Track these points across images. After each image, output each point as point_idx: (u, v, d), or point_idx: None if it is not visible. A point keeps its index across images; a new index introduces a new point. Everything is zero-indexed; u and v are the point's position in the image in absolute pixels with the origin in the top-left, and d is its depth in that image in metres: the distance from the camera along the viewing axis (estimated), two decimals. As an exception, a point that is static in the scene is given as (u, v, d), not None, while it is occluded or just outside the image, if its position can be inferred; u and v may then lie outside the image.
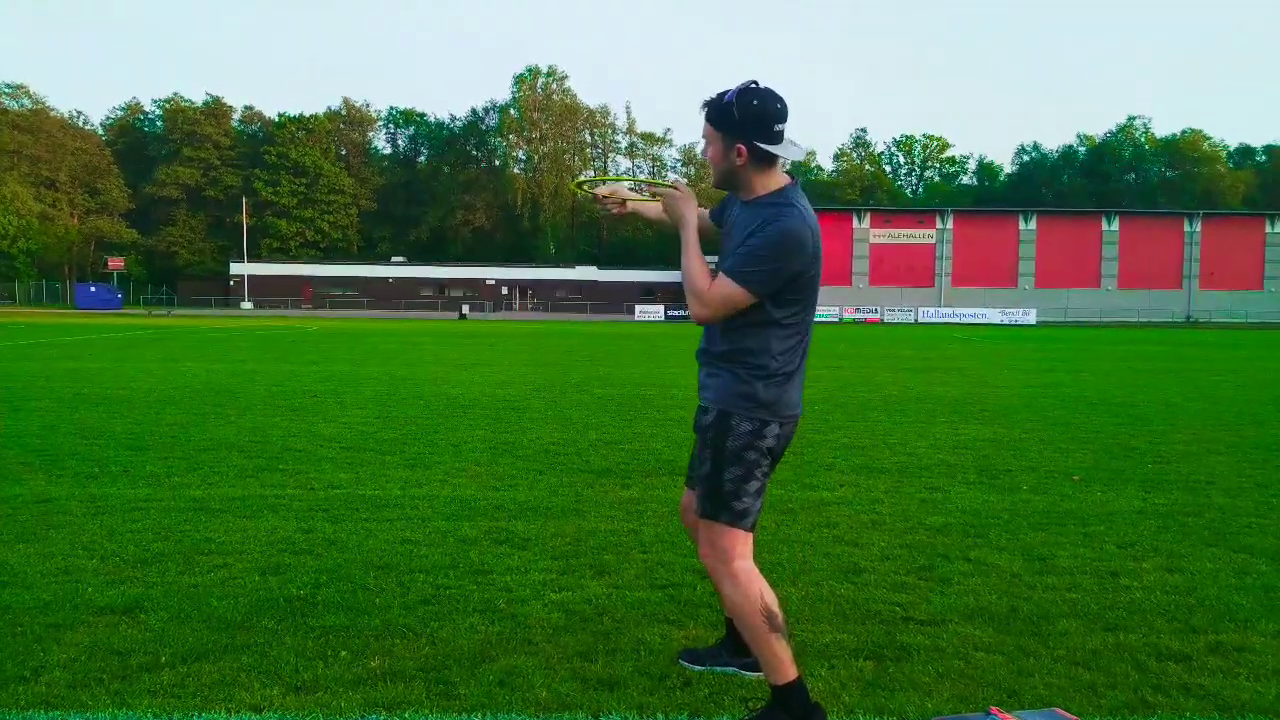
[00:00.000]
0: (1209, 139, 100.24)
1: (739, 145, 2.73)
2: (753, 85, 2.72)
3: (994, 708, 2.93)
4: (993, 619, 3.76)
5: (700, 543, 2.91)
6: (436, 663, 3.23)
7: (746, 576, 2.77)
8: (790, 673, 2.74)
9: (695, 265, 2.82)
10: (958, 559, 4.63)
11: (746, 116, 2.70)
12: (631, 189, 3.29)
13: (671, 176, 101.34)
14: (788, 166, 2.85)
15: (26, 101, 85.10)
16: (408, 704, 2.91)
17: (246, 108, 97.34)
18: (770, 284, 2.69)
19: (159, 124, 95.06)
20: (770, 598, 2.76)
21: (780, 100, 2.73)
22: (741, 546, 2.80)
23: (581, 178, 3.70)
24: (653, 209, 3.20)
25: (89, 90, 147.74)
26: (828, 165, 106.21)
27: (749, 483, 2.78)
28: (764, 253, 2.67)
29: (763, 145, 2.71)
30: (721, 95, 2.74)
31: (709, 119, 2.77)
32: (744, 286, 2.68)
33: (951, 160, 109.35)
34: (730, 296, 2.71)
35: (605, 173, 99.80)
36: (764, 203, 2.76)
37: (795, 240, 2.69)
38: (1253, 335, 42.28)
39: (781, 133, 2.73)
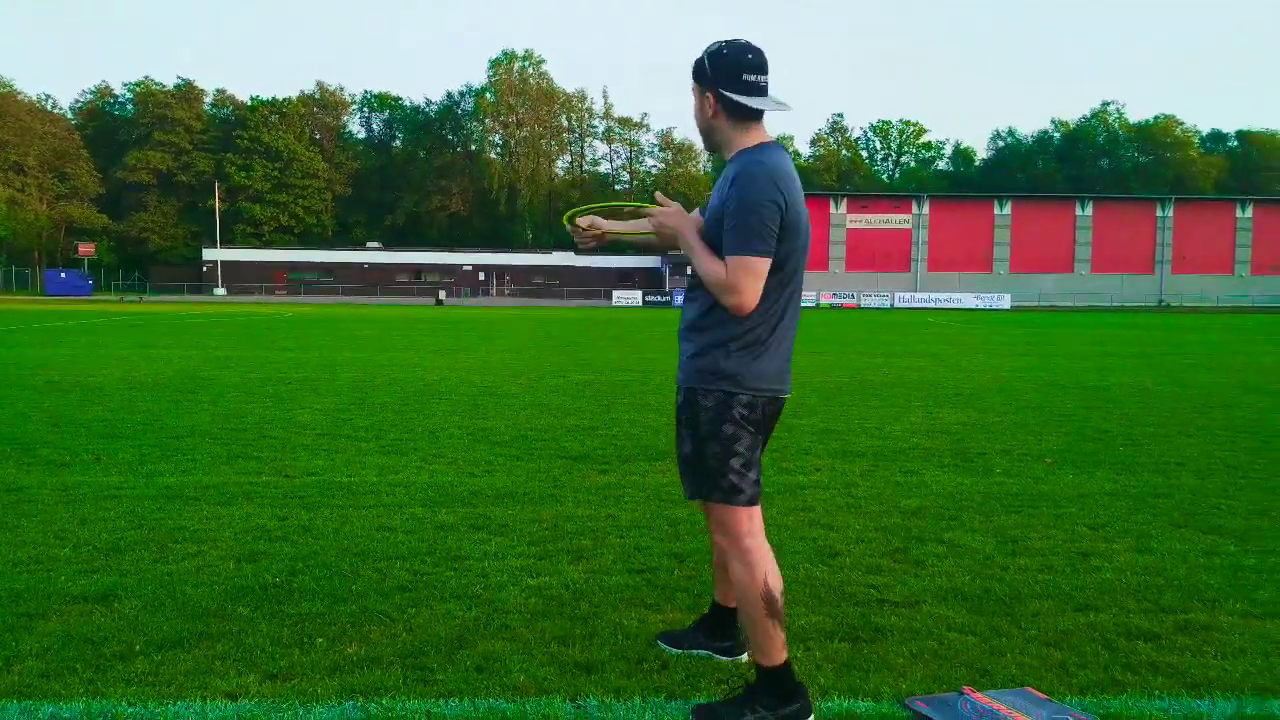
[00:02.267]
0: (1181, 124, 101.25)
1: (708, 94, 2.76)
2: (732, 39, 2.76)
3: (967, 687, 2.97)
4: (966, 600, 3.80)
5: (709, 524, 2.92)
6: (414, 649, 3.23)
7: (755, 556, 2.77)
8: (779, 656, 2.75)
9: (707, 265, 2.72)
10: (932, 541, 4.67)
11: (716, 65, 2.73)
12: (613, 213, 3.25)
13: (649, 163, 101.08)
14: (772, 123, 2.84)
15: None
16: (385, 690, 2.91)
17: (218, 91, 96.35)
18: (768, 234, 2.64)
19: (129, 108, 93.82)
20: (775, 582, 2.76)
21: (753, 51, 2.73)
22: (747, 523, 2.79)
23: (573, 210, 3.69)
24: (640, 230, 3.13)
25: (57, 74, 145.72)
26: (805, 150, 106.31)
27: (731, 459, 2.76)
28: (747, 219, 2.64)
29: (730, 95, 2.71)
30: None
31: (692, 74, 2.82)
32: (750, 255, 2.63)
33: (928, 145, 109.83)
34: (747, 270, 2.64)
35: (582, 159, 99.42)
36: (734, 160, 2.76)
37: (760, 179, 2.65)
38: (1223, 319, 42.82)
39: (755, 84, 2.72)
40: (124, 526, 4.75)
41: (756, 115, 2.76)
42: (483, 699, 2.86)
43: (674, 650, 3.23)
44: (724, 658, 3.20)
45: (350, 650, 3.21)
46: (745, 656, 3.18)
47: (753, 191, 2.64)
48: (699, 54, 2.79)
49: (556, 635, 3.37)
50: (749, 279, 2.64)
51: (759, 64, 2.72)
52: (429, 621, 3.49)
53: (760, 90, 2.73)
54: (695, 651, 3.22)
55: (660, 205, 2.95)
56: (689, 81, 2.84)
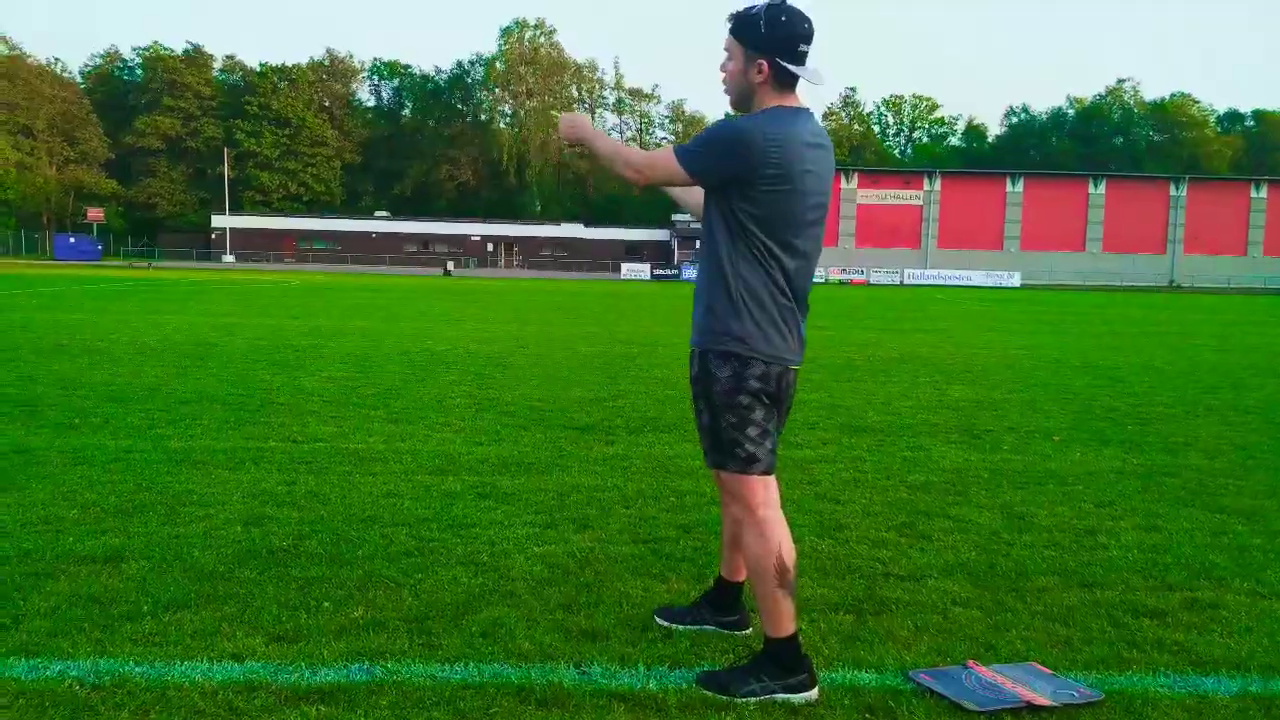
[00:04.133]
0: (1197, 103, 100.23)
1: (761, 61, 2.69)
2: (781, 1, 2.68)
3: (971, 661, 2.97)
4: (971, 575, 3.80)
5: (723, 495, 2.89)
6: (419, 614, 3.24)
7: (770, 527, 2.76)
8: (789, 628, 2.75)
9: (610, 144, 2.89)
10: (938, 516, 4.66)
11: (773, 31, 2.66)
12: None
13: (660, 134, 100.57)
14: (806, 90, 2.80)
15: (2, 48, 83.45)
16: (390, 654, 2.92)
17: (228, 57, 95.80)
18: (702, 166, 2.70)
19: (139, 73, 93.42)
20: (789, 553, 2.75)
21: (808, 20, 2.68)
22: (763, 493, 2.78)
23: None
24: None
25: (67, 38, 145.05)
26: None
27: (747, 428, 2.74)
28: (706, 135, 2.73)
29: (785, 64, 2.67)
30: (749, 8, 2.70)
31: (733, 32, 2.73)
32: (678, 156, 2.71)
33: (940, 121, 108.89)
34: (662, 159, 2.76)
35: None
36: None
37: (735, 135, 2.64)
38: (1235, 300, 42.58)
39: (805, 54, 2.69)
40: (132, 489, 4.77)
41: (795, 80, 2.72)
42: (487, 664, 2.87)
43: (674, 626, 3.21)
44: (730, 632, 3.20)
45: (356, 614, 3.22)
46: (749, 632, 3.19)
47: (725, 137, 2.68)
48: (749, 10, 2.69)
49: (561, 603, 3.38)
50: (655, 168, 2.78)
51: (812, 32, 2.68)
52: (435, 587, 3.50)
53: (805, 58, 2.70)
54: (701, 627, 3.21)
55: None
56: (726, 36, 2.74)
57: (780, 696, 2.70)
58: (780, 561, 2.73)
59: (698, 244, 2.98)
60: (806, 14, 2.69)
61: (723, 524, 3.23)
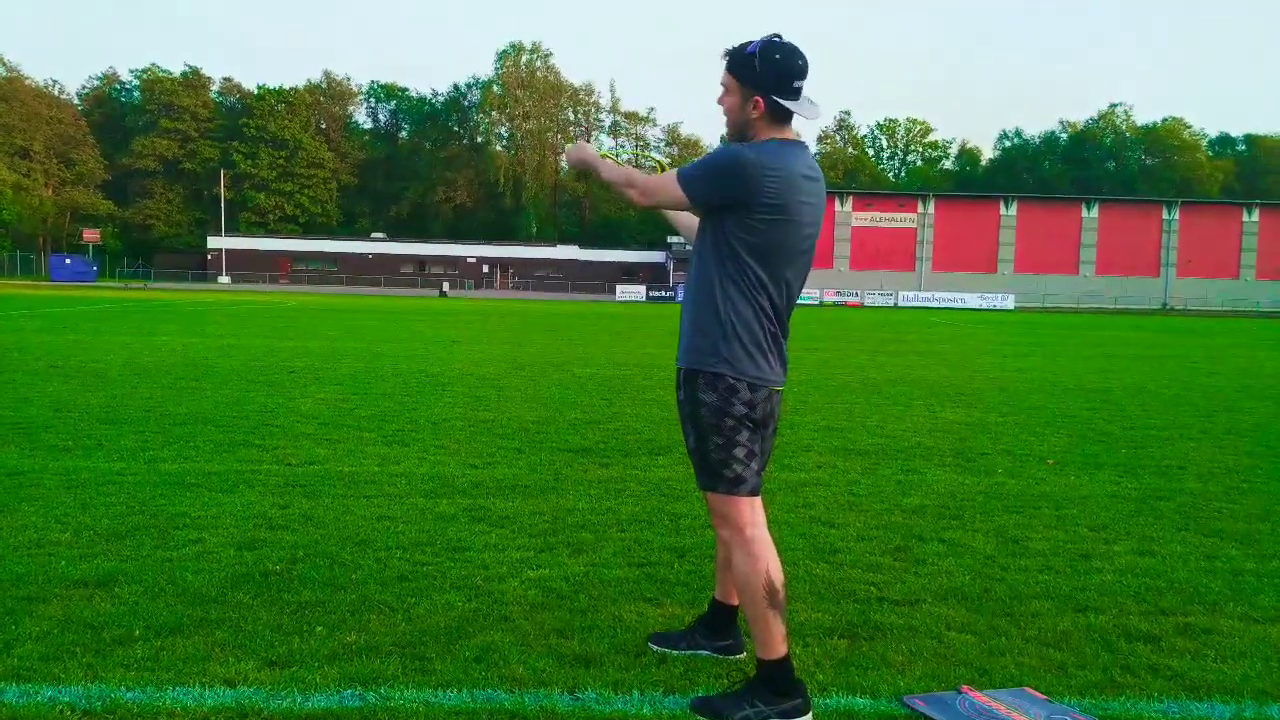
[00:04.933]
0: (1189, 127, 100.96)
1: (756, 98, 2.74)
2: (776, 38, 2.72)
3: (965, 686, 2.97)
4: (966, 599, 3.79)
5: (713, 518, 2.90)
6: (413, 639, 3.23)
7: (759, 547, 2.77)
8: (780, 650, 2.75)
9: (615, 168, 2.96)
10: (932, 540, 4.66)
11: (768, 70, 2.71)
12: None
13: (656, 155, 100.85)
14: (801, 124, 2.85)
15: (0, 69, 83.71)
16: (383, 679, 2.91)
17: (225, 79, 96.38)
18: (701, 191, 2.76)
19: (136, 95, 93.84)
20: (777, 573, 2.76)
21: (803, 57, 2.73)
22: (750, 514, 2.80)
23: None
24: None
25: (64, 59, 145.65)
26: (811, 147, 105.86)
27: (735, 449, 2.77)
28: (706, 160, 2.78)
29: (780, 100, 2.72)
30: (744, 45, 2.74)
31: (729, 68, 2.78)
32: (679, 180, 2.77)
33: (934, 144, 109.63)
34: (664, 184, 2.81)
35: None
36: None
37: (735, 163, 2.69)
38: (1228, 323, 42.73)
39: (800, 90, 2.73)
40: (125, 512, 4.75)
41: (790, 115, 2.78)
42: (481, 690, 2.86)
43: (671, 651, 3.20)
44: (725, 656, 3.20)
45: (349, 639, 3.21)
46: (745, 655, 3.19)
47: (723, 164, 2.73)
48: (744, 47, 2.74)
49: (555, 627, 3.37)
50: (659, 193, 2.82)
51: (806, 69, 2.73)
52: (428, 612, 3.49)
53: (800, 94, 2.75)
54: (696, 652, 3.20)
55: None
56: (722, 71, 2.79)
57: (774, 722, 2.70)
58: (769, 582, 2.74)
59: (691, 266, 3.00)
60: (800, 51, 2.74)
61: (716, 547, 3.24)
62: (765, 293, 2.77)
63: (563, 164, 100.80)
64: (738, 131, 2.84)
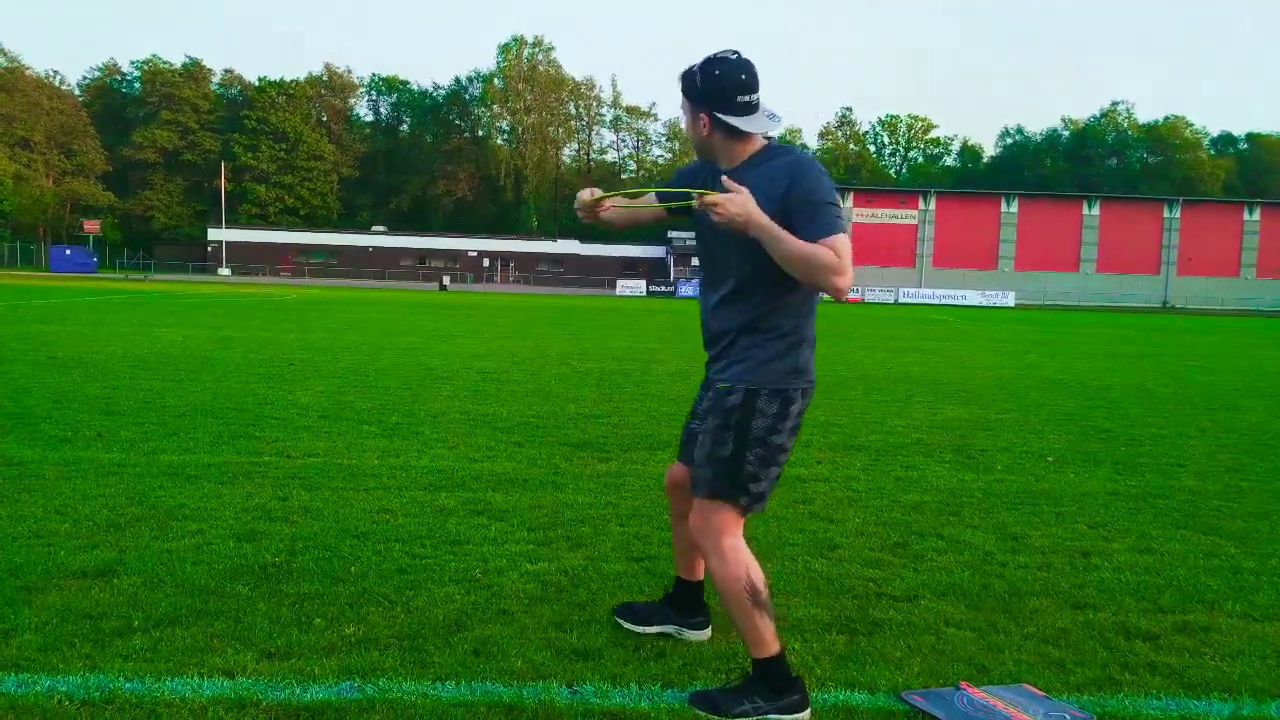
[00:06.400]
0: (1191, 125, 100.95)
1: (702, 115, 2.73)
2: (723, 55, 2.70)
3: (964, 682, 2.97)
4: (965, 595, 3.80)
5: (693, 515, 2.85)
6: (411, 631, 3.23)
7: (734, 553, 2.77)
8: (772, 647, 2.76)
9: (803, 248, 2.56)
10: (931, 536, 4.66)
11: (709, 86, 2.69)
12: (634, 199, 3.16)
13: (656, 152, 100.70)
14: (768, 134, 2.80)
15: (0, 59, 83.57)
16: (382, 672, 2.91)
17: (226, 71, 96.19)
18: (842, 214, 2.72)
19: (136, 86, 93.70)
20: (756, 574, 2.76)
21: (746, 71, 2.68)
22: (734, 525, 2.80)
23: (607, 195, 3.50)
24: (646, 205, 3.12)
25: (65, 50, 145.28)
26: (812, 143, 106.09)
27: (770, 466, 2.77)
28: (825, 193, 2.64)
29: (723, 116, 2.69)
30: (690, 65, 2.74)
31: (681, 89, 2.78)
32: (844, 234, 2.60)
33: (936, 141, 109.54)
34: (847, 248, 2.60)
35: (589, 147, 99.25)
36: (759, 160, 2.73)
37: (821, 170, 2.70)
38: (1228, 322, 42.73)
39: (747, 104, 2.69)
40: (124, 503, 4.75)
41: (743, 131, 2.75)
42: (479, 683, 2.87)
43: (638, 629, 3.25)
44: (693, 633, 3.24)
45: (348, 631, 3.21)
46: (709, 632, 3.27)
47: (825, 178, 2.67)
48: (689, 69, 2.74)
49: (554, 621, 3.38)
50: (849, 258, 2.60)
51: (751, 83, 2.69)
52: (427, 604, 3.49)
53: (753, 108, 2.70)
54: (664, 628, 3.25)
55: (718, 195, 2.59)
56: (679, 96, 2.80)
57: (773, 717, 2.70)
58: (750, 583, 2.74)
59: (712, 275, 2.95)
60: (745, 64, 2.69)
61: (674, 529, 3.30)
62: (809, 298, 2.81)
63: (565, 158, 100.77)
64: (702, 149, 2.84)
